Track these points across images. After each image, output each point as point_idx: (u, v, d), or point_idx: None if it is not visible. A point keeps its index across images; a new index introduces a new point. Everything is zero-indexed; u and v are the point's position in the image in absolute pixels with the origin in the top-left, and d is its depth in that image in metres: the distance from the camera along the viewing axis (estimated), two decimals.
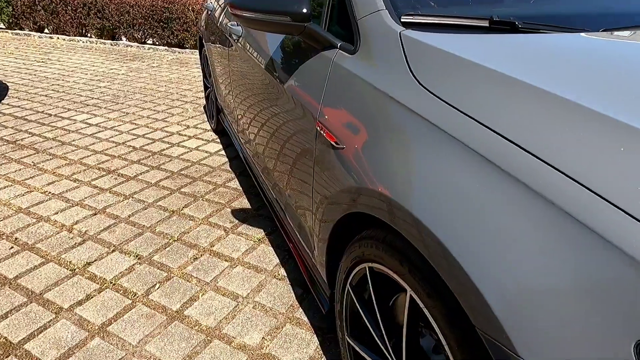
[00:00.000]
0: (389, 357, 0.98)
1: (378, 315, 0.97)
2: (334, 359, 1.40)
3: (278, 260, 1.87)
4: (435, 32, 0.98)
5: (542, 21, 1.03)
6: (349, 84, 1.04)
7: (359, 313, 1.14)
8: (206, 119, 3.68)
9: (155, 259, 1.87)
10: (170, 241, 2.00)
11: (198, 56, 6.56)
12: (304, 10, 1.14)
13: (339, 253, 1.21)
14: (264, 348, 1.43)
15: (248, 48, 1.76)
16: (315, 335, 1.49)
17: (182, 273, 1.79)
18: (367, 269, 0.98)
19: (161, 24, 6.98)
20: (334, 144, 1.04)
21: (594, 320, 0.51)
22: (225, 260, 1.87)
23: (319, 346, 1.44)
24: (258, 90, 1.68)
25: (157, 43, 7.25)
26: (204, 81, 3.57)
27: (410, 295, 0.81)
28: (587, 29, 1.03)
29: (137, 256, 1.89)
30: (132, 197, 2.38)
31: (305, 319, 1.56)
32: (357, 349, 1.12)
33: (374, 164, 0.87)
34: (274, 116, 1.51)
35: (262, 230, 2.09)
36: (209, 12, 2.86)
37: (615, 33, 1.02)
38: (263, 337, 1.48)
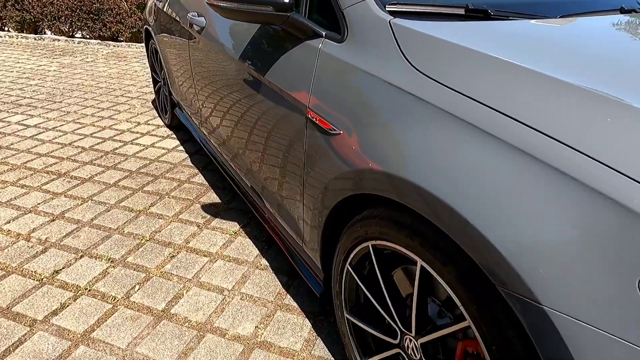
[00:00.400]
0: (395, 326, 1.04)
1: (384, 289, 1.03)
2: (327, 338, 1.45)
3: (258, 252, 1.88)
4: (417, 19, 1.04)
5: (510, 9, 1.13)
6: (340, 71, 1.07)
7: (358, 291, 1.20)
8: (157, 115, 3.54)
9: (130, 260, 1.81)
10: (143, 241, 1.94)
11: (136, 50, 6.25)
12: (287, 0, 1.15)
13: (331, 238, 1.25)
14: (259, 336, 1.45)
15: (216, 39, 1.73)
16: (307, 319, 1.53)
17: (161, 272, 1.74)
18: (370, 247, 1.03)
19: (91, 15, 6.55)
20: (329, 131, 1.07)
21: (601, 263, 0.60)
22: (204, 256, 1.85)
23: (312, 328, 1.49)
24: (230, 81, 1.66)
25: (88, 36, 6.79)
26: (152, 75, 3.43)
27: (422, 265, 0.88)
28: (549, 16, 1.15)
29: (109, 260, 1.81)
30: (92, 200, 2.26)
31: (295, 304, 1.59)
32: (358, 323, 1.18)
33: (376, 145, 0.92)
34: (252, 107, 1.51)
35: (236, 223, 2.08)
36: (158, 3, 2.74)
37: (569, 18, 1.15)
38: (256, 326, 1.49)
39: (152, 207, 2.21)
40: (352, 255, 1.12)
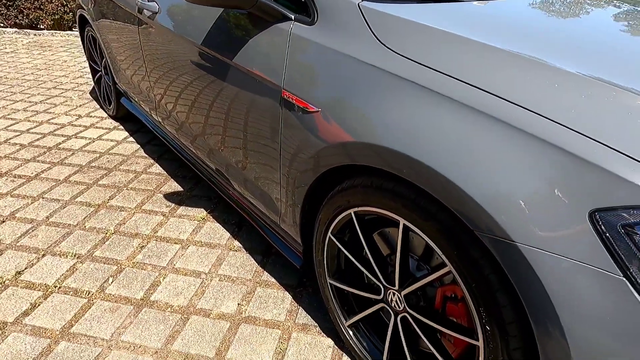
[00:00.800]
0: (378, 283, 1.15)
1: (368, 251, 1.13)
2: (309, 307, 1.54)
3: (229, 234, 1.91)
4: (383, 2, 1.13)
5: None
6: (313, 52, 1.14)
7: (339, 257, 1.30)
8: (99, 106, 3.38)
9: (98, 254, 1.78)
10: (108, 235, 1.90)
11: (62, 38, 5.82)
12: None
13: (309, 212, 1.33)
14: (243, 312, 1.51)
15: (172, 25, 1.71)
16: (286, 292, 1.61)
17: (133, 263, 1.73)
18: (352, 214, 1.13)
19: (4, 1, 5.97)
20: (307, 109, 1.14)
21: (558, 203, 0.73)
22: (175, 243, 1.85)
23: (292, 300, 1.57)
24: (190, 66, 1.66)
25: (2, 24, 6.20)
26: (90, 65, 3.26)
27: (404, 224, 0.98)
28: None
29: (75, 255, 1.76)
30: (43, 198, 2.16)
31: (273, 280, 1.66)
32: (342, 286, 1.28)
33: (356, 118, 1.00)
34: (217, 90, 1.53)
35: (202, 209, 2.09)
36: None
37: None
38: (239, 304, 1.55)
39: (112, 200, 2.15)
40: (333, 225, 1.21)
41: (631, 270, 0.69)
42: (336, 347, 1.39)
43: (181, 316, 1.49)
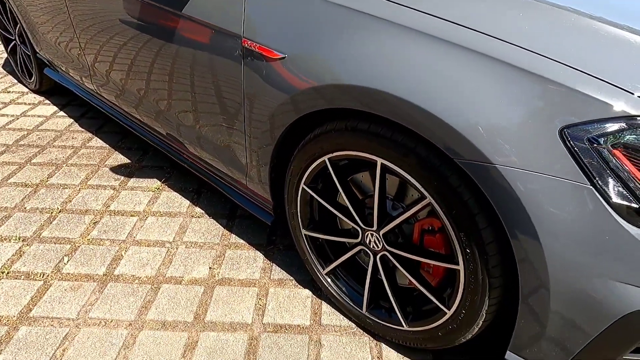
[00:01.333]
0: (356, 226, 1.18)
1: (345, 196, 1.15)
2: (282, 263, 1.54)
3: (188, 202, 1.85)
4: None
5: None
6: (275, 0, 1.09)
7: (313, 208, 1.30)
8: (16, 81, 3.04)
9: (46, 235, 1.64)
10: (54, 214, 1.75)
11: None
12: None
13: (277, 166, 1.31)
14: (216, 275, 1.49)
15: None
16: (257, 251, 1.60)
17: (88, 240, 1.63)
18: (327, 160, 1.13)
19: None
20: (271, 57, 1.10)
21: (532, 123, 0.78)
22: (132, 216, 1.76)
23: (264, 258, 1.56)
24: (129, 23, 1.53)
25: None
26: (2, 35, 2.89)
27: (382, 163, 1.00)
28: None
29: (19, 239, 1.62)
30: None
31: (242, 241, 1.64)
32: (318, 236, 1.29)
33: (330, 60, 0.99)
34: (164, 48, 1.43)
35: (155, 179, 1.99)
36: None
37: None
38: (210, 267, 1.52)
39: (51, 178, 1.98)
40: (306, 175, 1.20)
41: (597, 179, 0.76)
42: (314, 296, 1.41)
43: (151, 286, 1.44)
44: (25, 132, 2.37)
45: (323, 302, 1.40)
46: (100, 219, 1.74)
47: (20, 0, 2.27)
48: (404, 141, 0.94)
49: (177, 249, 1.60)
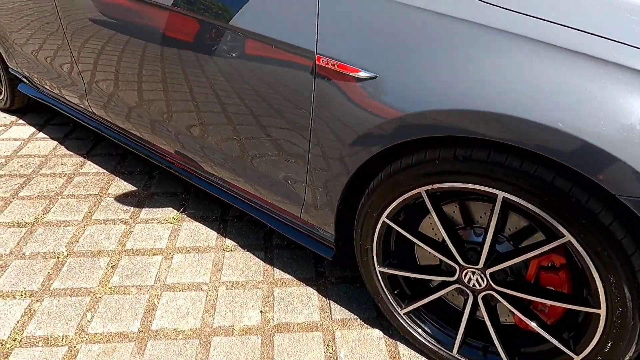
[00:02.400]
0: (452, 263, 1.04)
1: (443, 231, 1.01)
2: (340, 299, 1.39)
3: (215, 233, 1.65)
4: None
5: None
6: (363, 7, 0.93)
7: (390, 241, 1.16)
8: None
9: (57, 286, 1.40)
10: (61, 259, 1.51)
11: None
12: None
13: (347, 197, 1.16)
14: (271, 321, 1.31)
15: None
16: (308, 287, 1.43)
17: (111, 288, 1.40)
18: (423, 193, 0.99)
19: None
20: (358, 77, 0.95)
21: None
22: (154, 254, 1.54)
23: (319, 295, 1.40)
24: (152, 38, 1.32)
25: None
26: None
27: (504, 197, 0.87)
28: None
29: (26, 294, 1.37)
30: None
31: (288, 276, 1.47)
32: (396, 273, 1.15)
33: (441, 81, 0.85)
34: (203, 68, 1.23)
35: (171, 208, 1.77)
36: None
37: None
38: (261, 311, 1.34)
39: (47, 214, 1.72)
40: (391, 207, 1.06)
41: None
42: (386, 337, 1.27)
43: (199, 341, 1.24)
44: (3, 160, 2.06)
45: (398, 342, 1.26)
46: (118, 261, 1.51)
47: None
48: (538, 173, 0.82)
49: (217, 291, 1.40)
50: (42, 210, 1.73)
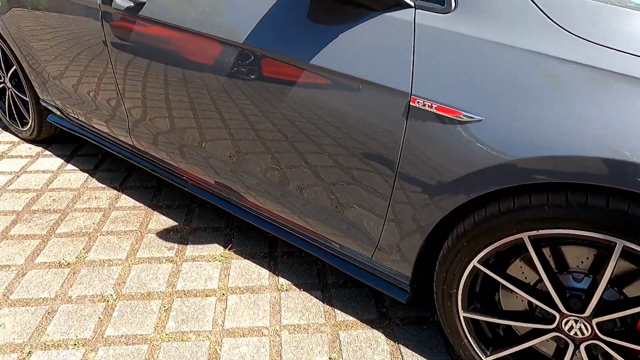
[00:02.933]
0: (552, 310, 1.00)
1: (545, 277, 0.96)
2: (409, 343, 1.32)
3: (267, 271, 1.58)
4: None
5: None
6: (460, 46, 0.91)
7: (475, 285, 1.11)
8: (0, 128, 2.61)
9: (111, 334, 1.32)
10: (110, 302, 1.43)
11: None
12: None
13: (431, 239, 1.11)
14: None
15: (182, 18, 1.29)
16: (373, 329, 1.37)
17: (168, 335, 1.33)
18: (525, 239, 0.94)
19: None
20: (459, 118, 0.91)
21: None
22: (207, 296, 1.47)
23: (386, 338, 1.34)
24: (217, 72, 1.28)
25: None
26: None
27: (624, 246, 0.84)
28: None
29: (79, 343, 1.29)
30: None
31: (350, 318, 1.41)
32: (487, 319, 1.10)
33: (555, 125, 0.82)
34: (275, 103, 1.20)
35: (216, 244, 1.71)
36: None
37: None
38: (330, 357, 1.27)
39: (89, 253, 1.65)
40: (484, 252, 1.01)
41: None
42: None
43: None
44: (35, 194, 1.99)
45: None
46: (171, 303, 1.44)
47: (25, 39, 1.92)
48: None
49: (280, 336, 1.34)
50: (83, 249, 1.66)
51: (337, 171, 1.17)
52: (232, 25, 1.20)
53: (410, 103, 0.96)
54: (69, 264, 1.59)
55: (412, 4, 0.97)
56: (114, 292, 1.47)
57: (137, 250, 1.66)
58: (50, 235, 1.73)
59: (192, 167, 1.61)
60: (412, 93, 0.96)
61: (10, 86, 2.34)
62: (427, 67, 0.94)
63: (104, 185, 2.07)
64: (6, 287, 1.48)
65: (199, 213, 1.89)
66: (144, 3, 1.37)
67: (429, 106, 0.94)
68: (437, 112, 0.94)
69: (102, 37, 1.55)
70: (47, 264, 1.59)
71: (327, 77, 1.07)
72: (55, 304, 1.42)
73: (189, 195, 2.00)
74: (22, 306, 1.41)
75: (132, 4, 1.40)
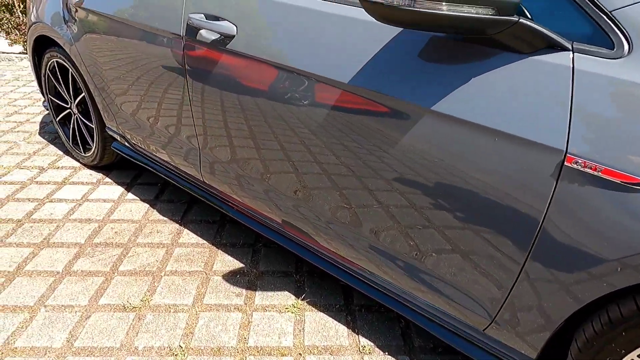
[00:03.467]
0: None
1: None
2: None
3: (345, 328, 1.43)
4: None
5: None
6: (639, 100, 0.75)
7: None
8: (62, 152, 2.60)
9: None
10: (180, 356, 1.31)
11: None
12: None
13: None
14: None
15: (276, 54, 1.19)
16: None
17: None
18: None
19: None
20: (630, 185, 0.75)
21: None
22: (283, 355, 1.33)
23: None
24: (318, 113, 1.17)
25: None
26: (48, 100, 2.48)
27: None
28: None
29: None
30: (45, 307, 1.48)
31: None
32: None
33: None
34: (385, 149, 1.07)
35: (287, 292, 1.57)
36: None
37: None
38: None
39: (154, 295, 1.54)
40: None
41: None
42: None
43: None
44: (97, 224, 1.93)
45: None
46: None
47: (97, 66, 1.89)
48: None
49: None
50: (147, 290, 1.56)
51: (454, 233, 1.01)
52: (337, 65, 1.08)
53: (565, 163, 0.81)
54: (134, 307, 1.49)
55: (569, 46, 0.82)
56: (183, 344, 1.35)
57: (204, 295, 1.55)
58: (114, 273, 1.65)
59: (266, 206, 1.49)
60: (568, 151, 0.80)
61: (76, 112, 2.33)
62: (591, 122, 0.78)
63: (165, 218, 1.99)
64: (70, 332, 1.38)
65: (265, 254, 1.77)
66: (233, 36, 1.28)
67: (591, 168, 0.78)
68: (602, 175, 0.77)
69: (182, 69, 1.47)
70: (112, 306, 1.49)
71: (449, 125, 0.93)
72: (121, 355, 1.31)
73: (254, 233, 1.88)
74: (87, 356, 1.31)
75: (219, 37, 1.31)
